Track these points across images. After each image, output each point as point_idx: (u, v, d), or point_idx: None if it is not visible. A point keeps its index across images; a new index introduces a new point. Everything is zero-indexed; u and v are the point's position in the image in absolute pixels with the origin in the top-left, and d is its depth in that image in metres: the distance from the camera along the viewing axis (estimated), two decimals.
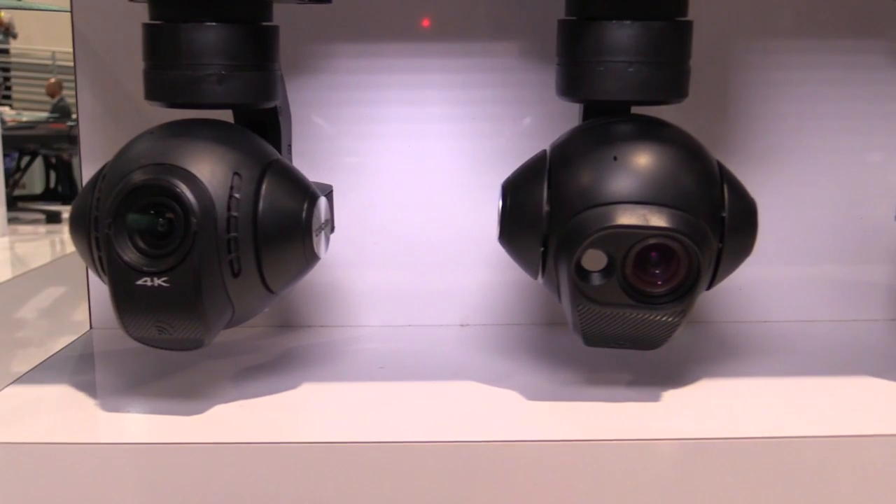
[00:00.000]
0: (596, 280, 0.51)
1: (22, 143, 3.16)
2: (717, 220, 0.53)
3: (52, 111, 3.77)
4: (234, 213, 0.51)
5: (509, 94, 0.68)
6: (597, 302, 0.51)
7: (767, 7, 0.68)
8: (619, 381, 0.58)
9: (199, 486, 0.50)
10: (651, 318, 0.52)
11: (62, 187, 3.60)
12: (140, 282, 0.50)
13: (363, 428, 0.52)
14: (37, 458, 0.50)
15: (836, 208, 0.70)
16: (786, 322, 0.70)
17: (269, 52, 0.56)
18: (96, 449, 0.50)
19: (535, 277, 0.55)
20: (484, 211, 0.66)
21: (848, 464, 0.50)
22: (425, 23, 0.67)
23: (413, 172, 0.69)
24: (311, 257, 0.54)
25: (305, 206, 0.53)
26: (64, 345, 0.68)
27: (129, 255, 0.50)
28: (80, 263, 0.58)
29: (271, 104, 0.57)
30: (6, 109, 3.64)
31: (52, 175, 3.46)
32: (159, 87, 0.55)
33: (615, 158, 0.52)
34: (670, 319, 0.52)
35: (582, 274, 0.51)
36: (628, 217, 0.50)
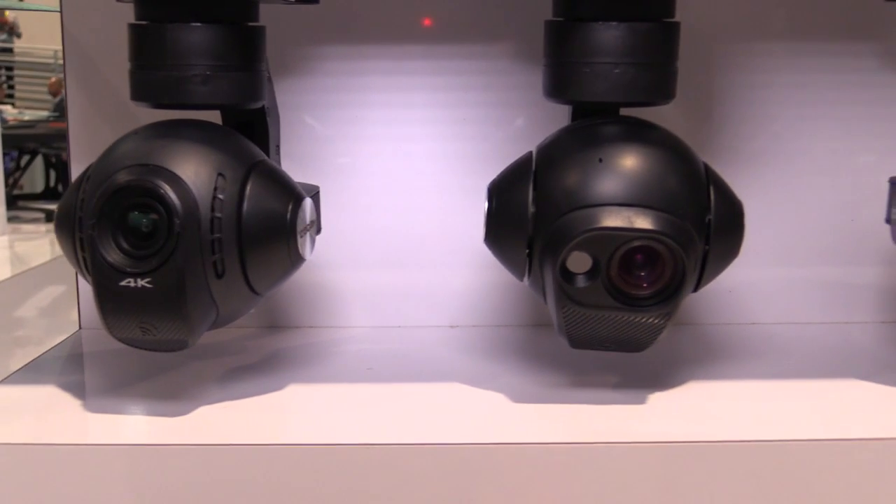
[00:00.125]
0: (581, 282, 0.51)
1: (22, 142, 3.17)
2: (703, 222, 0.53)
3: (54, 110, 3.78)
4: (218, 214, 0.51)
5: (499, 96, 0.68)
6: (582, 304, 0.51)
7: (758, 9, 0.67)
8: (605, 384, 0.58)
9: (183, 487, 0.50)
10: (636, 320, 0.52)
11: (62, 186, 3.60)
12: (123, 283, 0.50)
13: (348, 430, 0.52)
14: (21, 460, 0.50)
15: (827, 210, 0.69)
16: (776, 324, 0.70)
17: (255, 52, 0.56)
18: (80, 450, 0.50)
19: (521, 279, 0.55)
20: (473, 212, 0.66)
21: (835, 467, 0.50)
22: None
23: (402, 174, 0.69)
24: (296, 258, 0.54)
25: (290, 207, 0.53)
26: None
27: (113, 256, 0.50)
28: None
29: (258, 105, 0.57)
30: (8, 108, 3.64)
31: (52, 174, 3.46)
32: (145, 87, 0.54)
33: (600, 160, 0.52)
34: (655, 322, 0.52)
35: (567, 276, 0.51)
36: (613, 219, 0.50)
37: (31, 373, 0.61)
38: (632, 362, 0.58)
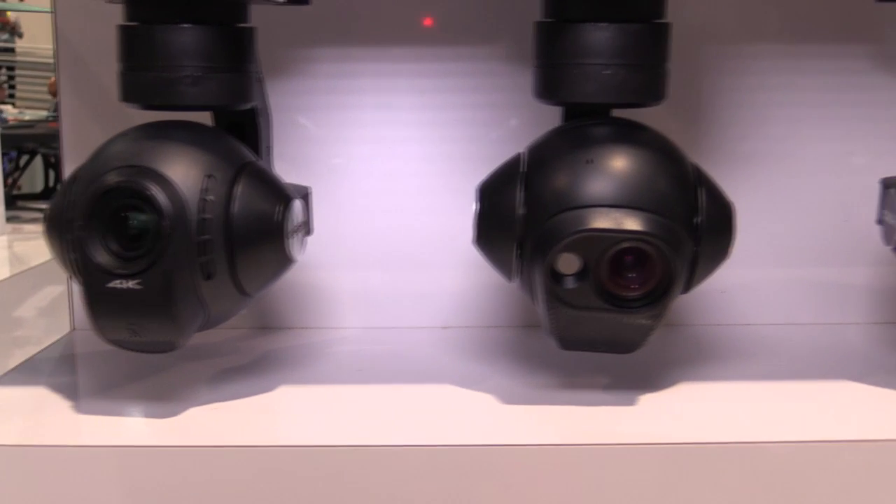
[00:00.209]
0: (570, 284, 0.51)
1: (21, 142, 3.16)
2: (693, 224, 0.53)
3: (54, 110, 3.78)
4: (207, 216, 0.51)
5: (492, 97, 0.68)
6: (571, 306, 0.51)
7: (751, 10, 0.67)
8: (595, 385, 0.58)
9: (174, 489, 0.50)
10: (626, 321, 0.51)
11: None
12: (112, 284, 0.50)
13: (337, 431, 0.52)
14: (11, 461, 0.50)
15: (820, 211, 0.69)
16: (768, 325, 0.70)
17: (245, 53, 0.55)
18: (71, 452, 0.50)
19: (511, 280, 0.55)
20: (466, 214, 0.65)
21: (827, 469, 0.50)
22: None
23: (395, 175, 0.69)
24: (286, 260, 0.54)
25: (279, 208, 0.53)
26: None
27: (101, 258, 0.50)
28: None
29: (248, 106, 0.57)
30: (9, 108, 3.64)
31: (52, 174, 3.46)
32: (134, 88, 0.54)
33: (590, 161, 0.52)
34: (645, 323, 0.51)
35: (556, 277, 0.51)
36: (602, 220, 0.50)
37: (23, 374, 0.61)
38: (623, 363, 0.58)
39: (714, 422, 0.53)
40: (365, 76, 0.68)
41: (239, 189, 0.52)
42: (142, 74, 0.54)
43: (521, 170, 0.54)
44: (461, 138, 0.68)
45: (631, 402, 0.55)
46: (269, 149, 0.61)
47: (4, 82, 4.12)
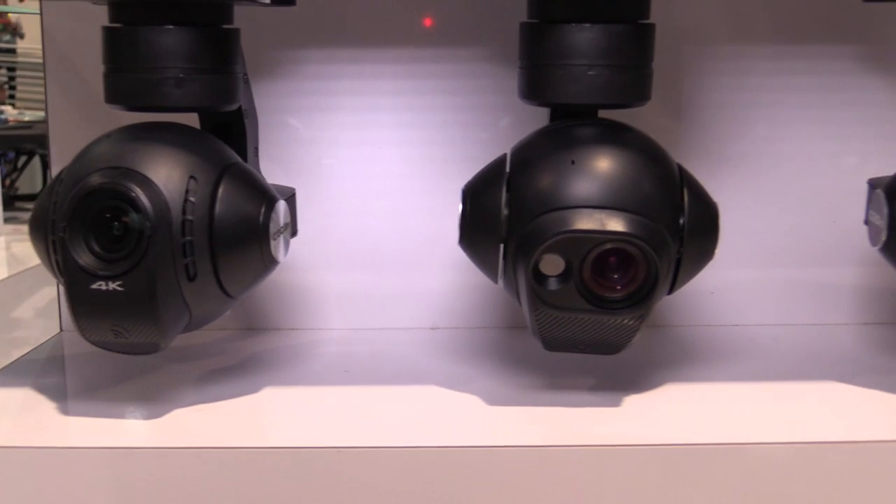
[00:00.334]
0: (553, 285, 0.51)
1: (19, 143, 3.16)
2: (677, 224, 0.53)
3: None
4: (190, 217, 0.51)
5: (481, 99, 0.68)
6: (554, 307, 0.51)
7: (739, 11, 0.67)
8: (581, 386, 0.58)
9: (160, 491, 0.50)
10: (609, 322, 0.51)
11: None
12: (95, 285, 0.50)
13: (321, 433, 0.52)
14: None
15: (809, 212, 0.69)
16: (758, 326, 0.70)
17: (229, 55, 0.55)
18: (57, 453, 0.50)
19: (496, 281, 0.55)
20: (454, 215, 0.66)
21: (812, 470, 0.50)
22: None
23: (383, 176, 0.69)
24: (270, 261, 0.54)
25: (263, 209, 0.53)
26: None
27: (84, 259, 0.50)
28: None
29: (233, 107, 0.57)
30: (9, 108, 3.64)
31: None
32: (118, 90, 0.54)
33: (573, 162, 0.52)
34: (629, 323, 0.51)
35: (539, 278, 0.51)
36: (585, 221, 0.50)
37: (10, 375, 0.61)
38: (611, 365, 0.58)
39: (700, 423, 0.53)
40: (353, 78, 0.67)
41: (222, 190, 0.52)
42: (126, 76, 0.54)
43: (505, 171, 0.54)
44: (449, 140, 0.68)
45: (616, 404, 0.55)
46: (255, 150, 0.61)
47: (5, 83, 4.12)
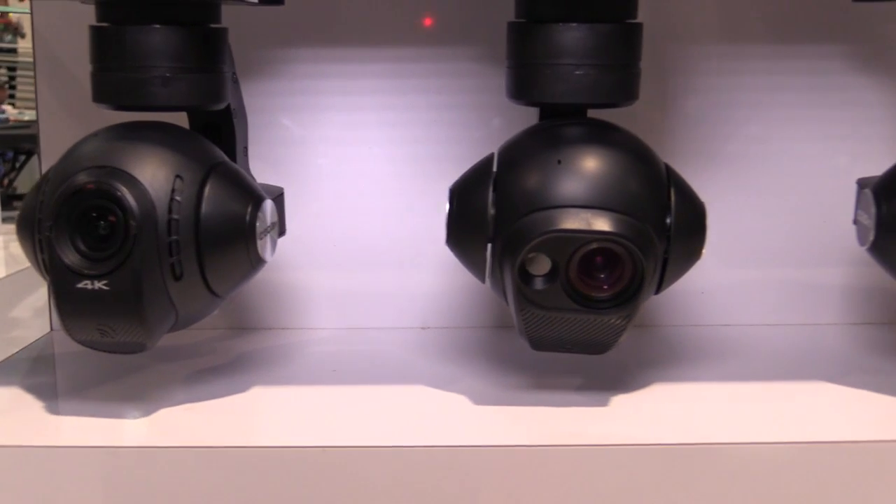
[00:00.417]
0: (539, 284, 0.51)
1: (17, 143, 3.16)
2: (664, 224, 0.53)
3: None
4: (176, 216, 0.51)
5: (472, 98, 0.68)
6: (540, 306, 0.51)
7: (730, 11, 0.67)
8: (569, 386, 0.58)
9: (145, 489, 0.50)
10: (596, 322, 0.51)
11: None
12: (81, 284, 0.50)
13: (309, 432, 0.52)
14: None
15: (800, 212, 0.69)
16: (748, 326, 0.70)
17: (216, 54, 0.55)
18: (46, 452, 0.50)
19: (483, 281, 0.55)
20: (444, 214, 0.66)
21: (801, 470, 0.50)
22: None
23: (374, 175, 0.69)
24: (256, 260, 0.54)
25: (249, 208, 0.53)
26: None
27: (70, 258, 0.50)
28: None
29: (220, 106, 0.57)
30: (9, 108, 3.64)
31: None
32: (105, 89, 0.54)
33: (559, 162, 0.52)
34: (616, 323, 0.51)
35: (526, 278, 0.51)
36: (571, 221, 0.50)
37: (0, 374, 0.61)
38: (600, 364, 0.58)
39: (688, 423, 0.53)
40: (342, 77, 0.67)
41: (208, 190, 0.52)
42: (112, 75, 0.54)
43: (492, 170, 0.54)
44: (439, 139, 0.68)
45: (604, 404, 0.55)
46: (244, 149, 0.61)
47: (6, 83, 4.12)
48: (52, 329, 0.71)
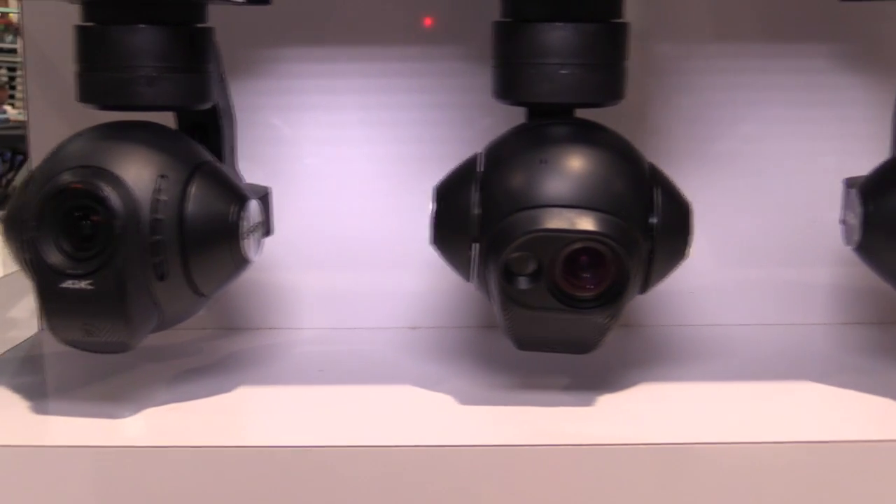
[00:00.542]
0: (523, 284, 0.51)
1: (18, 143, 3.16)
2: (648, 224, 0.53)
3: None
4: (160, 216, 0.51)
5: (460, 98, 0.68)
6: (525, 306, 0.51)
7: (718, 10, 0.67)
8: (554, 386, 0.58)
9: (131, 489, 0.50)
10: (581, 321, 0.51)
11: None
12: (65, 284, 0.50)
13: (295, 432, 0.52)
14: None
15: (788, 212, 0.69)
16: (737, 326, 0.70)
17: (202, 53, 0.55)
18: (33, 452, 0.50)
19: (468, 280, 0.55)
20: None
21: (787, 470, 0.50)
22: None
23: (360, 175, 0.69)
24: (241, 260, 0.54)
25: (234, 208, 0.53)
26: None
27: (54, 258, 0.50)
28: None
29: (206, 106, 0.57)
30: (9, 108, 3.64)
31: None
32: (91, 89, 0.54)
33: (543, 161, 0.52)
34: (600, 322, 0.51)
35: (510, 278, 0.51)
36: (555, 221, 0.50)
37: None
38: (587, 364, 0.58)
39: (675, 422, 0.53)
40: (329, 77, 0.67)
41: (193, 189, 0.52)
42: (98, 75, 0.54)
43: (477, 170, 0.54)
44: (426, 139, 0.68)
45: (590, 403, 0.55)
46: (232, 149, 0.61)
47: (6, 83, 4.12)
48: (41, 329, 0.71)
